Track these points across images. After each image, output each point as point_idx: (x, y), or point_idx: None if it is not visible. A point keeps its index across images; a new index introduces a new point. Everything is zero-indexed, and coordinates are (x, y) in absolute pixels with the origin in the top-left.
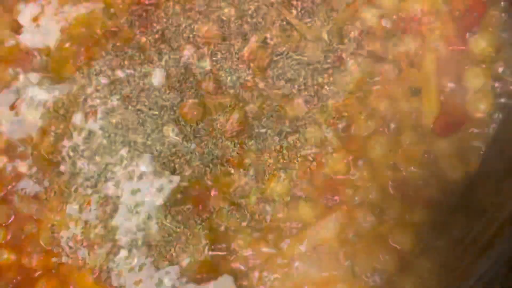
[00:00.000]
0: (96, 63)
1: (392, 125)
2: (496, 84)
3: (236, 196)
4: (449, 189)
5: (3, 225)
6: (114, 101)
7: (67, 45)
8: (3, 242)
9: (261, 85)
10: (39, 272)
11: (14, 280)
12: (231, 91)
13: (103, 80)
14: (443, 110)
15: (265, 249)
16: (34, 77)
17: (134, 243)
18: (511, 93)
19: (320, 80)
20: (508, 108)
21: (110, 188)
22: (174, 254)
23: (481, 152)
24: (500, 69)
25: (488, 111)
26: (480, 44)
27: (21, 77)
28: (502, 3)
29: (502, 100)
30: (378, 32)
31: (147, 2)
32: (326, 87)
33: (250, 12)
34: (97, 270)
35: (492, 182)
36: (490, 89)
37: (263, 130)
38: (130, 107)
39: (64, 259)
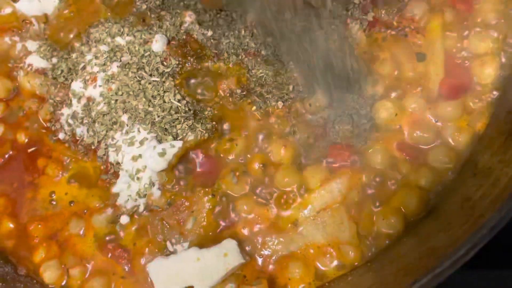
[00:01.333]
0: (96, 30)
1: (398, 90)
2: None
3: (240, 161)
4: (455, 151)
5: (4, 99)
6: (114, 68)
7: (65, 12)
8: (1, 116)
9: (264, 52)
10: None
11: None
12: (234, 57)
13: (103, 47)
14: (449, 74)
15: (268, 214)
16: (31, 45)
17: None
18: None
19: None
20: None
21: (110, 155)
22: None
23: (488, 115)
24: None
25: (494, 73)
26: (485, 7)
27: (19, 45)
28: None
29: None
30: None
31: None
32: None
33: None
34: None
35: (499, 142)
36: (496, 52)
37: (268, 95)
38: (130, 73)
39: (61, 135)
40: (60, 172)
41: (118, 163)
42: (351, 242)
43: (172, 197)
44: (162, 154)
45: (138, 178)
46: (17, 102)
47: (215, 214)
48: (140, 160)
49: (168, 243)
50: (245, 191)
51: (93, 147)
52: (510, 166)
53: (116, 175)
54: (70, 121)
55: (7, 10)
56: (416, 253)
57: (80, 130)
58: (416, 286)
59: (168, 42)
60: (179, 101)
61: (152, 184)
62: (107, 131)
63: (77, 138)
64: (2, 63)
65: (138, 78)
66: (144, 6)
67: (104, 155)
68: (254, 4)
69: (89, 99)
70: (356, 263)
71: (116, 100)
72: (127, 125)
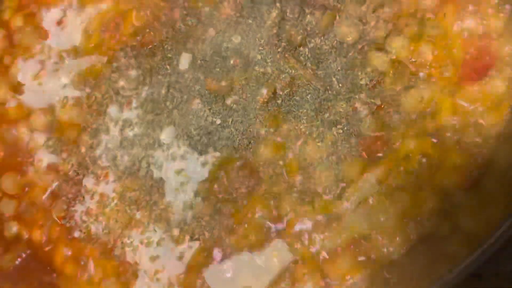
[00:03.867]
0: (123, 56)
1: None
2: None
3: (278, 164)
4: (485, 133)
5: (16, 196)
6: (146, 89)
7: (92, 45)
8: (14, 214)
9: (292, 61)
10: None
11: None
12: (261, 69)
13: (132, 72)
14: (468, 56)
15: (312, 210)
16: (40, 137)
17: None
18: None
19: None
20: None
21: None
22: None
23: None
24: None
25: None
26: None
27: (26, 137)
28: None
29: None
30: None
31: None
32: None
33: None
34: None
35: None
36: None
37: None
38: (162, 91)
39: (76, 233)
40: (79, 272)
41: (161, 180)
42: (396, 227)
43: (218, 204)
44: (204, 164)
45: (183, 191)
46: (30, 198)
47: (260, 217)
48: (183, 172)
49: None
50: (286, 191)
51: (109, 246)
52: None
53: (135, 275)
54: (84, 218)
55: (12, 103)
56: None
57: (95, 227)
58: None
59: (193, 57)
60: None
61: (196, 194)
62: (122, 230)
63: (92, 236)
64: (11, 157)
65: (169, 96)
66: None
67: (146, 173)
68: None
69: (102, 195)
70: (403, 248)
71: (152, 119)
72: (143, 224)
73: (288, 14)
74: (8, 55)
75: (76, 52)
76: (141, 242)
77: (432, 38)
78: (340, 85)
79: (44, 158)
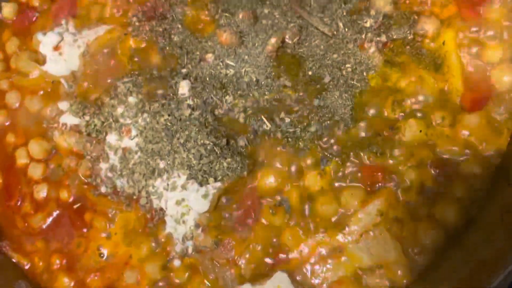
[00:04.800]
0: (122, 83)
1: (421, 105)
2: None
3: (277, 195)
4: (486, 161)
5: (43, 160)
6: (145, 117)
7: (89, 70)
8: (42, 177)
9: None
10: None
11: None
12: (256, 93)
13: (131, 99)
14: (468, 86)
15: (313, 242)
16: (63, 104)
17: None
18: None
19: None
20: None
21: (153, 202)
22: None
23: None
24: None
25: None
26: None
27: (48, 109)
28: None
29: None
30: (394, 17)
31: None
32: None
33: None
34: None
35: None
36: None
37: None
38: (162, 120)
39: (103, 189)
40: (108, 224)
41: (162, 209)
42: (397, 260)
43: (219, 236)
44: (205, 196)
45: (183, 222)
46: (56, 161)
47: (262, 249)
48: (184, 203)
49: (220, 280)
50: (287, 223)
51: (134, 197)
52: None
53: (162, 221)
54: (109, 174)
55: (35, 73)
56: (467, 268)
57: (120, 182)
58: None
59: (192, 85)
60: (212, 141)
61: (197, 225)
62: (146, 180)
63: (118, 190)
64: (36, 125)
65: (169, 124)
66: (166, 51)
67: (146, 203)
68: None
69: (124, 150)
70: (405, 281)
71: (152, 149)
72: (166, 172)
73: None
74: (5, 79)
75: (74, 77)
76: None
77: None
78: (346, 29)
79: (68, 121)
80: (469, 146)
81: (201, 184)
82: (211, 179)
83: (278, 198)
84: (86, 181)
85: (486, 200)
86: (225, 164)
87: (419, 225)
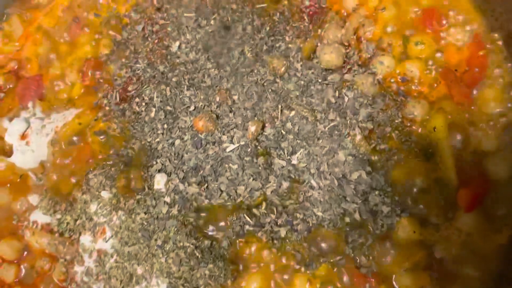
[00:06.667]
0: (94, 175)
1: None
2: None
3: None
4: (486, 264)
5: (15, 261)
6: (120, 215)
7: (59, 160)
8: (16, 280)
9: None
10: None
11: None
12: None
13: (105, 194)
14: (462, 181)
15: None
16: (33, 198)
17: None
18: None
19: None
20: None
21: None
22: None
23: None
24: None
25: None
26: (487, 99)
27: (18, 203)
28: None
29: None
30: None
31: (130, 91)
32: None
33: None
34: None
35: None
36: (509, 149)
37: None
38: (138, 218)
39: None
40: None
41: None
42: None
43: None
44: None
45: None
46: (29, 261)
47: None
48: None
49: None
50: None
51: None
52: None
53: None
54: (85, 278)
55: (1, 165)
56: None
57: (97, 287)
58: None
59: (169, 174)
60: (192, 243)
61: None
62: (124, 287)
63: None
64: (6, 221)
65: (145, 223)
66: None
67: None
68: None
69: (99, 252)
70: None
71: (128, 252)
72: (145, 279)
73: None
74: None
75: (43, 169)
76: None
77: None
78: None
79: (39, 219)
80: (468, 245)
81: None
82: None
83: None
84: (61, 285)
85: None
86: (207, 272)
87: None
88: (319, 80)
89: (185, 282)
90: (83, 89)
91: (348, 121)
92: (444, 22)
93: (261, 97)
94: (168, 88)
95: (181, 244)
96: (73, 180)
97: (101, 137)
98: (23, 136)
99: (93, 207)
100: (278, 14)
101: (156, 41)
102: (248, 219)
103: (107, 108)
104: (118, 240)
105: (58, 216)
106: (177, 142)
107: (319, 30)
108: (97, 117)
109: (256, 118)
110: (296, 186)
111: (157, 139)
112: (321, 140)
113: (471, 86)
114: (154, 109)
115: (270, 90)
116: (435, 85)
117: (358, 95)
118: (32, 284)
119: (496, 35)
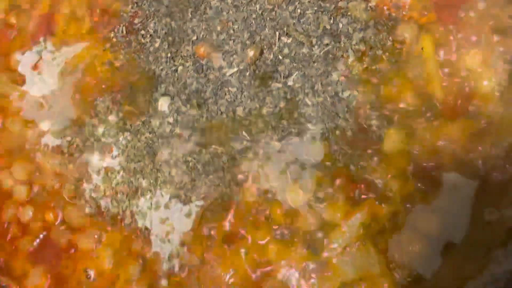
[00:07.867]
0: (101, 101)
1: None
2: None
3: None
4: (469, 170)
5: (27, 182)
6: (126, 135)
7: (68, 88)
8: (27, 199)
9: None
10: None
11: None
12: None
13: (111, 117)
14: (447, 92)
15: (297, 256)
16: (44, 124)
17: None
18: None
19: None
20: None
21: (138, 222)
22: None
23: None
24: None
25: (492, 84)
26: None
27: (30, 130)
28: None
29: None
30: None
31: (136, 24)
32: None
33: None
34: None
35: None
36: (491, 61)
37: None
38: (143, 138)
39: (87, 210)
40: (94, 245)
41: (147, 229)
42: (382, 273)
43: (204, 254)
44: (189, 215)
45: (169, 240)
46: (40, 182)
47: (249, 265)
48: (168, 222)
49: None
50: (272, 236)
51: (119, 217)
52: None
53: (148, 240)
54: (93, 194)
55: (15, 94)
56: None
57: (104, 202)
58: None
59: (172, 98)
60: (194, 158)
61: (182, 244)
62: (130, 200)
63: (103, 210)
64: (19, 147)
65: (150, 142)
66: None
67: (131, 223)
68: None
69: (107, 170)
70: None
71: (134, 168)
72: (149, 191)
73: None
74: None
75: (54, 97)
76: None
77: None
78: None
79: (50, 142)
80: (451, 155)
81: (184, 203)
82: (194, 198)
83: (262, 212)
84: (71, 202)
85: (472, 207)
86: (207, 182)
87: (403, 237)
88: (315, 8)
89: (187, 192)
90: (92, 24)
91: (342, 45)
92: None
93: (260, 25)
94: (172, 21)
95: (184, 159)
96: (82, 107)
97: (108, 66)
98: (35, 67)
99: (100, 130)
100: None
101: None
102: (246, 134)
103: (114, 40)
104: (125, 158)
105: (68, 138)
106: (180, 68)
107: None
108: (105, 48)
109: (254, 45)
110: (291, 105)
111: (161, 67)
112: (316, 63)
113: (458, 6)
114: (158, 40)
115: (268, 18)
116: (426, 13)
117: (352, 21)
118: (44, 203)
119: None
